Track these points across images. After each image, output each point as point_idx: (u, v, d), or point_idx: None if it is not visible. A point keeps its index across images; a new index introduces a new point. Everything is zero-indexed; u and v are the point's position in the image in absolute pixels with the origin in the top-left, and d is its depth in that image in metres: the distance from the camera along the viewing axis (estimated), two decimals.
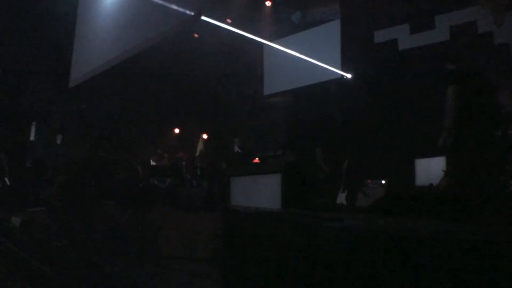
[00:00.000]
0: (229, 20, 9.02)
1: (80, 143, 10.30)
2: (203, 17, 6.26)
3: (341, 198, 6.32)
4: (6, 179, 8.33)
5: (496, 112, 3.76)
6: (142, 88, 10.86)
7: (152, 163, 10.20)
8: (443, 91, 3.61)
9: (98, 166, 8.99)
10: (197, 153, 10.08)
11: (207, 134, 10.99)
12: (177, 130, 12.84)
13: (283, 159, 8.35)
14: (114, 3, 7.49)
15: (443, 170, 3.92)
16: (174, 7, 5.81)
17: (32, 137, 10.97)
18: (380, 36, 7.66)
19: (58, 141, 9.33)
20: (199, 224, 4.95)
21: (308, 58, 8.71)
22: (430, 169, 5.28)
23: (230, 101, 10.98)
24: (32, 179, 8.49)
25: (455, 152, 3.56)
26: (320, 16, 9.26)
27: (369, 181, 6.90)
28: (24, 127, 10.84)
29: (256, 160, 8.85)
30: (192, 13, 5.44)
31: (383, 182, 6.78)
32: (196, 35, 10.23)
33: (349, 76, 8.40)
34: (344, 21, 8.52)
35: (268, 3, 9.94)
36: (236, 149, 8.76)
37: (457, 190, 3.46)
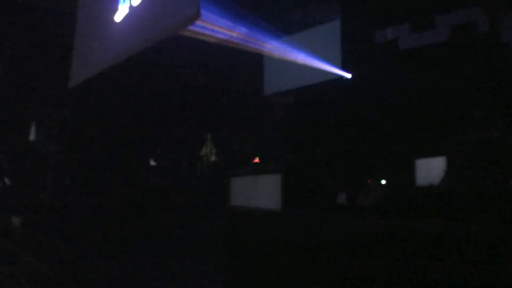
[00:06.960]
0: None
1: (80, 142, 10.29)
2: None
3: (341, 198, 6.30)
4: (6, 179, 8.33)
5: None
6: (141, 88, 10.84)
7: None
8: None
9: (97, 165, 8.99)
10: (202, 153, 10.05)
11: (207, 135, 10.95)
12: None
13: (283, 159, 8.34)
14: (114, 2, 7.50)
15: (444, 171, 3.92)
16: (174, 6, 5.80)
17: (32, 137, 10.96)
18: (380, 36, 7.65)
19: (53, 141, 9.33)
20: (198, 224, 4.94)
21: (308, 58, 8.69)
22: (430, 169, 5.27)
23: (229, 100, 10.96)
24: (32, 179, 8.49)
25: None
26: (320, 16, 9.24)
27: (369, 181, 6.88)
28: (24, 127, 10.83)
29: (256, 160, 8.85)
30: (192, 13, 5.43)
31: (383, 182, 6.76)
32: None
33: (349, 76, 8.38)
34: (344, 21, 8.50)
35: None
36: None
37: (457, 190, 3.47)
